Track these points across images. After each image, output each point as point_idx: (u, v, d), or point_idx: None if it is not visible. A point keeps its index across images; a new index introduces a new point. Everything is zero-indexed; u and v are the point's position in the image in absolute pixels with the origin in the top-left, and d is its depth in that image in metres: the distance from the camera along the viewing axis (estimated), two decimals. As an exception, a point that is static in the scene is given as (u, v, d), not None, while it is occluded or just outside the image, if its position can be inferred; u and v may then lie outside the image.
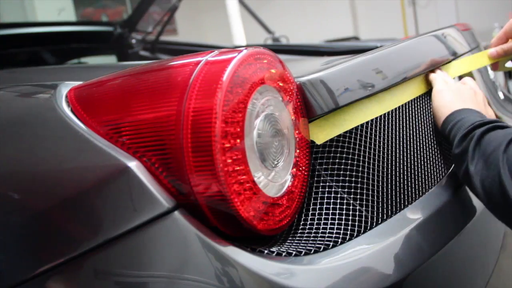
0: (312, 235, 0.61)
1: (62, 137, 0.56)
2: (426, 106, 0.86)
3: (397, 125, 0.78)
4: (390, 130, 0.76)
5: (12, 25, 2.11)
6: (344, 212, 0.64)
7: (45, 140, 0.57)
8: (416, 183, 0.75)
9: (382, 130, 0.74)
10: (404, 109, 0.81)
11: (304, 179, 0.63)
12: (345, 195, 0.65)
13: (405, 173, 0.74)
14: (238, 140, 0.52)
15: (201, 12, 6.87)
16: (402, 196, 0.71)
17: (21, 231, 0.53)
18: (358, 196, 0.66)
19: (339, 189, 0.65)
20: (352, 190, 0.66)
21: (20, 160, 0.57)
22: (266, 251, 0.56)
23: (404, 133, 0.78)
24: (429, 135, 0.83)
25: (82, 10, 5.55)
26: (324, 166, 0.66)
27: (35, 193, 0.54)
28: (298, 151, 0.62)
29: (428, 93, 0.88)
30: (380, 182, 0.69)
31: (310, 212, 0.63)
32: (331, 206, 0.64)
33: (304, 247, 0.58)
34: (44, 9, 4.65)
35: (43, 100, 0.63)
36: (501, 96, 1.27)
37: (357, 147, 0.70)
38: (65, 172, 0.54)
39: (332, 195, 0.65)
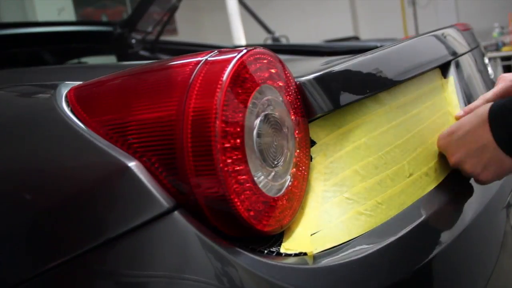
0: (312, 235, 0.61)
1: (62, 137, 0.56)
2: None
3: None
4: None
5: (12, 25, 2.11)
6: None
7: (44, 140, 0.57)
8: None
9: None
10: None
11: (304, 179, 0.63)
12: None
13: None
14: (238, 140, 0.52)
15: (201, 12, 6.87)
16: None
17: (21, 231, 0.53)
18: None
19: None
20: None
21: (20, 160, 0.57)
22: (266, 251, 0.56)
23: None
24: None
25: (82, 10, 5.56)
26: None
27: (34, 193, 0.54)
28: (298, 151, 0.62)
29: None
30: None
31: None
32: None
33: (304, 247, 0.58)
34: (44, 9, 4.65)
35: (43, 100, 0.63)
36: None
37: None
38: (64, 172, 0.54)
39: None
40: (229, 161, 0.51)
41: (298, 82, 0.64)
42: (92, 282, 0.51)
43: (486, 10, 5.38)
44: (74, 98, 0.59)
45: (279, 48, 2.00)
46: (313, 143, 0.66)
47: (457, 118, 0.85)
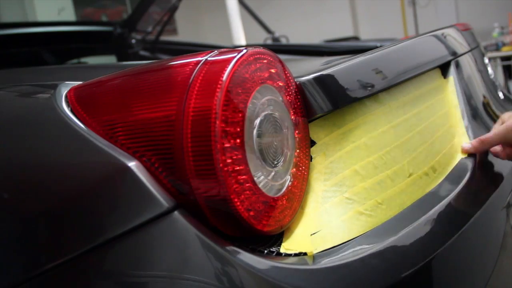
0: (312, 235, 0.61)
1: (62, 137, 0.56)
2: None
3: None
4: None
5: (12, 25, 2.12)
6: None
7: (44, 140, 0.57)
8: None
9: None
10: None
11: (304, 179, 0.63)
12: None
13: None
14: (238, 140, 0.52)
15: (201, 12, 6.87)
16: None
17: (21, 231, 0.53)
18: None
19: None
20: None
21: (20, 160, 0.57)
22: (266, 251, 0.56)
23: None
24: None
25: (82, 10, 5.56)
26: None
27: (34, 193, 0.54)
28: (298, 151, 0.62)
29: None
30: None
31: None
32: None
33: (304, 247, 0.58)
34: (44, 9, 4.66)
35: (43, 100, 0.63)
36: (501, 96, 1.27)
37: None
38: (64, 172, 0.54)
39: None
40: (229, 161, 0.51)
41: (298, 82, 0.64)
42: (92, 282, 0.51)
43: (486, 10, 5.38)
44: (74, 98, 0.59)
45: (279, 48, 2.00)
46: (313, 143, 0.66)
47: (464, 151, 0.85)
